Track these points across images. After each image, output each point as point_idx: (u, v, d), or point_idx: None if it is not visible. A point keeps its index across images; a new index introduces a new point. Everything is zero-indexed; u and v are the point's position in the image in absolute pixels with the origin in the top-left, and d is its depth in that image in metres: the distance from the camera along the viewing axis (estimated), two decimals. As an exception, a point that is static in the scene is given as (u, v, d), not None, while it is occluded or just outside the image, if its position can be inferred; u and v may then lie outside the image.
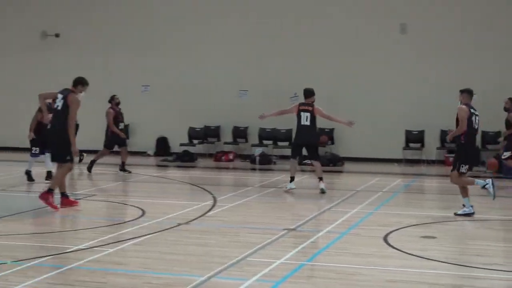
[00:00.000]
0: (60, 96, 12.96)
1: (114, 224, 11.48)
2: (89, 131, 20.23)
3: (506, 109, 17.92)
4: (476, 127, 12.37)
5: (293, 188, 15.32)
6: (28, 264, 8.82)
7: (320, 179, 15.26)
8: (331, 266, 8.83)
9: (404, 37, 21.61)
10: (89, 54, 23.75)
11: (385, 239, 10.42)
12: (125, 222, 11.65)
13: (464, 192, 12.38)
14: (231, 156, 21.92)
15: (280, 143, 21.63)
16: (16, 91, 22.82)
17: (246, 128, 22.30)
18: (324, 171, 15.79)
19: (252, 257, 9.27)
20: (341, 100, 21.61)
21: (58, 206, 12.93)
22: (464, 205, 12.36)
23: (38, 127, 15.83)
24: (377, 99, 21.52)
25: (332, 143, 21.80)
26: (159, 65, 23.12)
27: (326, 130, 21.62)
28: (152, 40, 23.20)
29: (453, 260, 9.12)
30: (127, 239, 10.28)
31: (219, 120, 22.68)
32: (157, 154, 23.14)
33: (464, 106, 12.19)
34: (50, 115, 13.67)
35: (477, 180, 12.50)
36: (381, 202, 14.20)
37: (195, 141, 22.72)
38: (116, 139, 18.56)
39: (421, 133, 21.50)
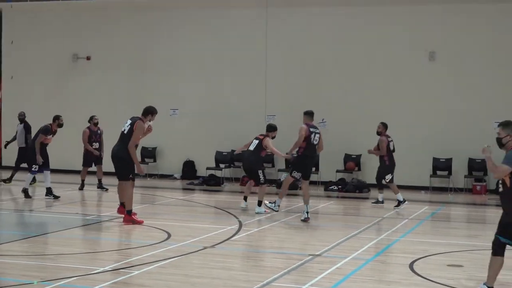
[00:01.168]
0: (128, 121, 14.13)
1: (140, 247, 11.51)
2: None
3: (378, 133, 17.82)
4: None
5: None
6: (54, 285, 8.87)
7: (259, 202, 15.77)
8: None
9: (432, 65, 21.53)
10: (118, 76, 23.99)
11: (410, 266, 10.34)
12: (151, 244, 11.67)
13: None
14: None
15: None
16: (48, 110, 22.89)
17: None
18: (350, 198, 15.73)
19: (277, 282, 9.23)
20: (369, 126, 21.55)
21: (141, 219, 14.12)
22: None
23: (40, 148, 17.43)
24: (405, 126, 21.42)
25: (359, 169, 21.72)
26: (187, 89, 23.25)
27: (353, 156, 21.56)
28: (180, 65, 23.33)
29: (479, 289, 9.03)
30: (153, 262, 10.29)
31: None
32: (183, 177, 23.21)
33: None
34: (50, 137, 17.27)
35: None
36: (408, 229, 14.09)
37: (222, 165, 22.76)
38: (91, 157, 19.53)
39: (449, 160, 21.34)
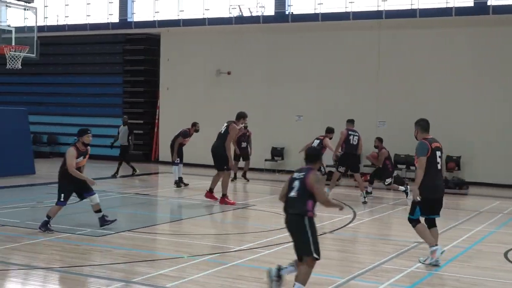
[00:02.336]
0: (225, 124, 14.82)
1: (270, 230, 11.62)
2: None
3: (376, 147, 17.35)
4: None
5: None
6: (200, 259, 9.10)
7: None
8: (456, 276, 8.53)
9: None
10: (253, 88, 24.25)
11: (505, 255, 9.95)
12: (279, 229, 11.76)
13: None
14: (369, 177, 21.56)
15: (412, 167, 21.10)
16: (196, 115, 23.43)
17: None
18: (450, 193, 15.22)
19: (386, 264, 9.11)
20: (467, 131, 20.90)
21: (235, 202, 14.85)
22: None
23: (180, 147, 17.93)
24: (499, 128, 20.59)
25: (459, 169, 21.01)
26: (309, 99, 23.20)
27: (454, 157, 20.91)
28: (304, 79, 23.31)
29: None
30: (280, 243, 10.37)
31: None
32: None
33: None
34: (187, 139, 17.79)
35: None
36: (502, 222, 13.55)
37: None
38: (238, 154, 19.78)
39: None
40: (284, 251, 9.92)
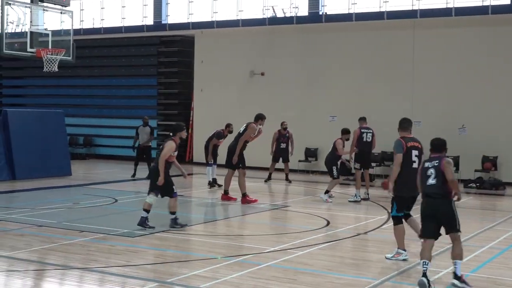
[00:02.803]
0: (244, 125, 15.17)
1: (304, 231, 11.59)
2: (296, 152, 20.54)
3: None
4: None
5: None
6: (234, 260, 9.12)
7: (326, 191, 15.82)
8: (493, 278, 8.42)
9: None
10: (286, 88, 24.19)
11: (544, 257, 9.77)
12: (312, 230, 11.72)
13: None
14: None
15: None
16: (229, 116, 23.46)
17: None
18: (487, 194, 15.00)
19: (420, 265, 8.99)
20: (504, 130, 20.58)
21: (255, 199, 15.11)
22: None
23: (214, 149, 17.99)
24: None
25: (495, 169, 20.69)
26: (343, 99, 23.06)
27: (490, 157, 20.61)
28: (336, 79, 23.20)
29: None
30: (314, 244, 10.35)
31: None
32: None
33: None
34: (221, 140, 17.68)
35: None
36: (541, 223, 13.30)
37: (373, 164, 22.35)
38: (278, 155, 20.07)
39: None
40: (319, 252, 9.90)
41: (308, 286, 7.98)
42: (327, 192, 15.82)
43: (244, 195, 14.92)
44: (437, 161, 8.02)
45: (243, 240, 10.94)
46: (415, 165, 9.07)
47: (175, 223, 11.37)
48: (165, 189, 11.28)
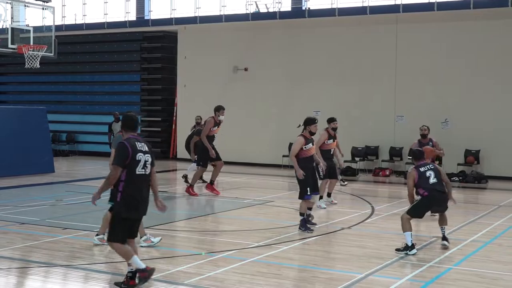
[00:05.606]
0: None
1: (288, 226, 11.61)
2: (266, 147, 20.56)
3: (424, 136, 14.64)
4: None
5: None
6: (219, 256, 9.11)
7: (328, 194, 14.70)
8: (476, 271, 8.47)
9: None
10: (270, 84, 24.19)
11: (526, 249, 9.85)
12: (296, 224, 11.73)
13: None
14: (387, 172, 21.55)
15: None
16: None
17: (401, 148, 21.81)
18: (469, 188, 15.12)
19: (405, 259, 9.06)
20: (487, 124, 20.72)
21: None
22: None
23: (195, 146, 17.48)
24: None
25: (478, 163, 20.85)
26: (327, 94, 23.11)
27: (473, 151, 20.74)
28: (321, 74, 23.26)
29: None
30: (298, 239, 10.37)
31: (378, 141, 22.34)
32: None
33: None
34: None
35: None
36: (523, 216, 13.41)
37: (357, 159, 22.50)
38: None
39: None
40: (303, 247, 9.91)
41: (293, 281, 7.99)
42: (329, 195, 14.59)
43: (211, 183, 15.82)
44: (431, 165, 9.85)
45: (228, 236, 10.93)
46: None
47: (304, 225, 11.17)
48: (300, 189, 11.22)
